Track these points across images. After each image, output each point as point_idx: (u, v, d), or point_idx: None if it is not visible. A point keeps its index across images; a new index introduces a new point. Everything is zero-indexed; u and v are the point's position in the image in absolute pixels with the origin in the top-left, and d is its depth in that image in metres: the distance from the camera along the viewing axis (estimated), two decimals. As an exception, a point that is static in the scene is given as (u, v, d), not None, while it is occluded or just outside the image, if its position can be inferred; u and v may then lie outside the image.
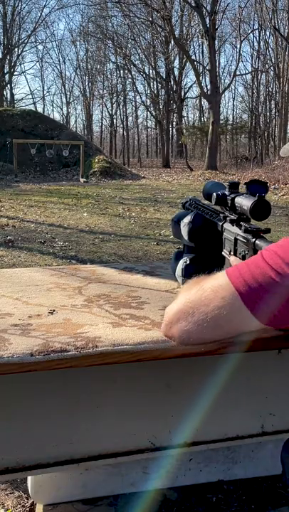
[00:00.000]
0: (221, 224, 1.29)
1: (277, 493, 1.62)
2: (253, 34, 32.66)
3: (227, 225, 1.25)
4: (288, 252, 0.85)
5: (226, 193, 1.26)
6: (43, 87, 51.99)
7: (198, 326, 0.90)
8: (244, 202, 1.15)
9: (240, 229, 1.17)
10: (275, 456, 1.64)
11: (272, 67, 30.48)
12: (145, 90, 37.93)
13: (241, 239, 1.16)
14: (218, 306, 0.88)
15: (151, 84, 33.81)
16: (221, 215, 1.30)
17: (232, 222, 1.22)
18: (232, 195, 1.23)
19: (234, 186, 1.25)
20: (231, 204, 1.23)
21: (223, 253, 1.27)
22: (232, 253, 1.21)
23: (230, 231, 1.22)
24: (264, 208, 1.11)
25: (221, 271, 0.93)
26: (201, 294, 0.92)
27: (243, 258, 1.15)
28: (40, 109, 36.22)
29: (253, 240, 1.11)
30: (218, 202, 1.27)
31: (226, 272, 0.91)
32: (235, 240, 1.19)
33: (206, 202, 1.41)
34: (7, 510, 1.58)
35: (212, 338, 0.93)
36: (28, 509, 1.59)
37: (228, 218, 1.25)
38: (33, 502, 1.59)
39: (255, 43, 36.64)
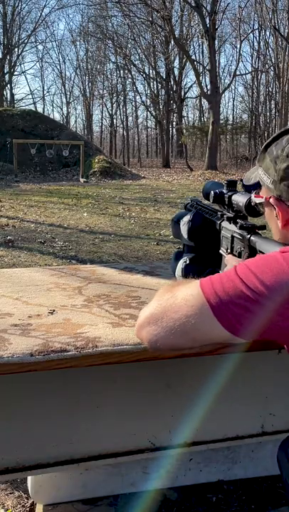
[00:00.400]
0: (218, 222, 1.29)
1: (277, 493, 1.62)
2: (253, 34, 32.66)
3: (224, 223, 1.26)
4: (260, 267, 0.87)
5: (224, 191, 1.26)
6: (43, 87, 51.93)
7: (166, 331, 0.92)
8: (240, 199, 1.16)
9: (237, 226, 1.18)
10: (275, 456, 1.64)
11: (272, 67, 30.48)
12: (145, 90, 37.94)
13: (237, 236, 1.17)
14: (186, 315, 0.90)
15: (151, 84, 33.80)
16: (219, 213, 1.30)
17: (229, 219, 1.23)
18: (229, 193, 1.23)
19: (232, 184, 1.26)
20: (228, 202, 1.23)
21: (220, 251, 1.28)
22: (229, 251, 1.22)
23: (228, 229, 1.23)
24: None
25: (195, 280, 0.95)
26: (172, 301, 0.93)
27: (239, 255, 1.16)
28: (40, 109, 36.22)
29: (248, 236, 1.12)
30: (216, 200, 1.28)
31: (199, 282, 0.93)
32: (232, 237, 1.20)
33: (206, 202, 1.41)
34: (7, 510, 1.58)
35: (179, 345, 0.94)
36: (28, 509, 1.59)
37: (225, 216, 1.26)
38: (33, 502, 1.59)
39: (255, 43, 36.66)
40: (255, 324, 0.87)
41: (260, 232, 1.14)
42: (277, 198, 0.97)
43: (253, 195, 1.07)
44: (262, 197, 1.02)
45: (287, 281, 0.84)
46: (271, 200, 0.99)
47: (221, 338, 0.91)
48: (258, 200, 1.04)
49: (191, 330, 0.91)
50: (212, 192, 1.28)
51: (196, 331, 0.91)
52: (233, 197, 1.21)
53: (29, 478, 1.52)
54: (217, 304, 0.88)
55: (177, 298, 0.93)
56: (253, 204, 1.09)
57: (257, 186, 1.10)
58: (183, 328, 0.91)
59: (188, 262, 1.38)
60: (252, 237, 1.11)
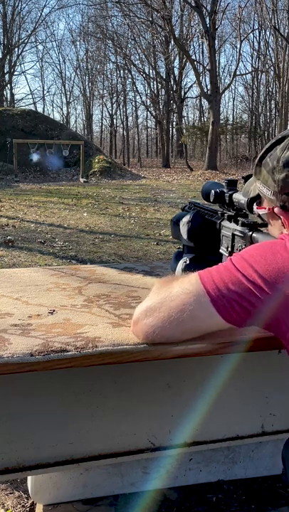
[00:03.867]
0: (218, 222, 1.30)
1: (277, 493, 1.62)
2: (253, 34, 32.60)
3: (224, 222, 1.27)
4: (255, 256, 0.91)
5: (224, 190, 1.27)
6: (43, 87, 51.70)
7: (164, 321, 0.94)
8: (241, 197, 1.17)
9: (238, 224, 1.19)
10: (275, 456, 1.64)
11: (272, 67, 30.46)
12: (145, 90, 37.86)
13: (238, 233, 1.18)
14: (184, 302, 0.92)
15: (151, 84, 33.72)
16: (219, 213, 1.31)
17: (229, 218, 1.24)
18: (230, 192, 1.24)
19: (232, 184, 1.27)
20: (229, 200, 1.24)
21: (220, 251, 1.28)
22: (229, 249, 1.23)
23: (228, 227, 1.24)
24: None
25: (193, 273, 0.96)
26: (170, 291, 0.96)
27: None
28: (40, 109, 36.15)
29: (250, 233, 1.13)
30: (217, 199, 1.29)
31: (197, 272, 0.95)
32: (233, 235, 1.21)
33: (205, 202, 1.42)
34: (7, 510, 1.58)
35: (175, 336, 0.96)
36: (28, 509, 1.59)
37: (225, 215, 1.27)
38: (33, 502, 1.59)
39: (255, 43, 36.58)
40: (250, 313, 0.89)
41: (261, 229, 1.15)
42: (282, 208, 0.98)
43: (255, 207, 1.09)
44: (265, 208, 1.04)
45: (280, 269, 0.87)
46: (276, 210, 1.00)
47: (216, 327, 0.93)
48: (261, 212, 1.06)
49: (187, 318, 0.92)
50: (212, 191, 1.28)
51: (192, 320, 0.92)
52: (234, 195, 1.22)
53: (29, 478, 1.52)
54: (214, 290, 0.90)
55: (175, 288, 0.95)
56: (256, 215, 1.10)
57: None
58: (180, 316, 0.92)
59: (188, 262, 1.38)
60: (254, 234, 1.12)
